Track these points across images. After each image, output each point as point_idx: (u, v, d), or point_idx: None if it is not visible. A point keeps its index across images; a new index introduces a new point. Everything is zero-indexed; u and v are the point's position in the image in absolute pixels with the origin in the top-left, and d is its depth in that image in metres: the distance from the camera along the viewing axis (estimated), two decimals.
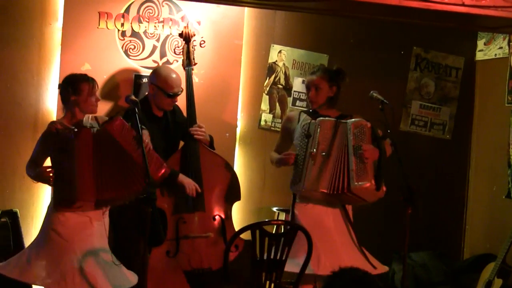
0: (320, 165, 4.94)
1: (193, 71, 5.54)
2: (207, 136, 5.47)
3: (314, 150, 4.94)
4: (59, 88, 4.83)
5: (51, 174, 4.57)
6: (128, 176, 4.47)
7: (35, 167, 4.68)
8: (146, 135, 4.81)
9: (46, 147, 4.68)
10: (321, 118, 4.99)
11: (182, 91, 5.43)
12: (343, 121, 4.96)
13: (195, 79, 5.85)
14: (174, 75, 5.41)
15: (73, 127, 4.60)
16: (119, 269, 4.72)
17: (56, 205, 4.60)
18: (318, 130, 4.95)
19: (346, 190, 4.89)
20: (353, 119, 4.98)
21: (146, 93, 5.53)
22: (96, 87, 4.78)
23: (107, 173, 4.50)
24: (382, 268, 5.15)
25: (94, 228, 4.64)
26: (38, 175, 4.65)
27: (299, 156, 5.03)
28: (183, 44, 5.56)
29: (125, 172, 4.48)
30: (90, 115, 4.83)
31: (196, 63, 5.58)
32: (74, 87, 4.69)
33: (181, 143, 5.52)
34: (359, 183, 4.89)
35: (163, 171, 4.59)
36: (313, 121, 5.01)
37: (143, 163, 4.40)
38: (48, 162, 4.72)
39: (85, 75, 4.78)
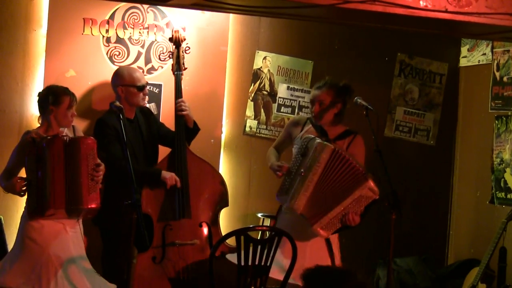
0: (307, 187, 4.84)
1: (182, 76, 5.53)
2: (191, 113, 5.48)
3: (303, 171, 4.85)
4: (38, 95, 4.84)
5: (22, 185, 4.60)
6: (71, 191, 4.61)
7: (8, 178, 4.71)
8: (102, 170, 4.77)
9: (21, 156, 4.71)
10: (319, 141, 4.86)
11: (148, 84, 5.47)
12: (346, 156, 4.80)
13: None
14: (134, 69, 5.50)
15: (47, 136, 4.66)
16: (100, 278, 4.76)
17: (30, 213, 4.66)
18: (315, 153, 4.83)
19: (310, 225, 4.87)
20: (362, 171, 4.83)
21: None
22: (75, 102, 4.80)
23: (75, 182, 4.61)
24: None
25: (69, 235, 4.69)
26: (10, 186, 4.68)
27: (291, 169, 4.94)
28: (173, 49, 5.56)
29: (71, 186, 4.61)
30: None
31: (186, 68, 5.58)
32: (54, 97, 4.73)
33: (162, 150, 5.53)
34: (318, 230, 4.86)
35: (94, 206, 4.65)
36: (313, 140, 4.89)
37: (83, 187, 4.59)
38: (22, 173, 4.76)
39: (67, 88, 4.82)
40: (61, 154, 4.61)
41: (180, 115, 5.43)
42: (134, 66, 5.85)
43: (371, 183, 4.78)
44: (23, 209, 4.76)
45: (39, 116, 4.82)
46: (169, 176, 5.22)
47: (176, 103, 5.46)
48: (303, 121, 5.17)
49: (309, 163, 4.83)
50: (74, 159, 4.61)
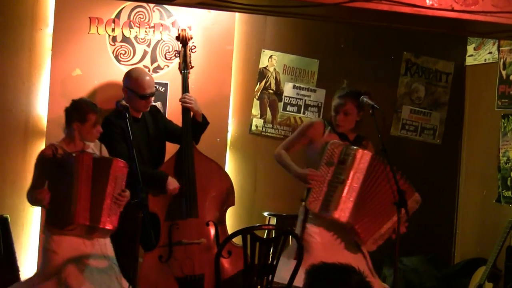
0: (350, 196, 4.86)
1: (189, 75, 5.52)
2: (198, 107, 5.44)
3: (344, 179, 4.84)
4: (65, 111, 4.80)
5: (44, 197, 4.57)
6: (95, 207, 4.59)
7: (33, 192, 4.68)
8: (127, 196, 4.78)
9: (42, 170, 4.70)
10: (356, 147, 4.86)
11: (156, 91, 5.41)
12: (384, 161, 4.82)
13: None
14: (144, 76, 5.37)
15: (72, 153, 4.64)
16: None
17: (49, 227, 4.66)
18: (354, 160, 4.83)
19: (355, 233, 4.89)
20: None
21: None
22: (101, 118, 4.77)
23: (98, 201, 4.59)
24: None
25: (88, 248, 4.68)
26: (33, 198, 4.67)
27: (327, 180, 4.90)
28: (179, 47, 5.54)
29: (94, 204, 4.59)
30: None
31: (193, 67, 5.55)
32: (80, 114, 4.70)
33: (170, 147, 5.53)
34: (371, 245, 4.91)
35: (110, 227, 4.64)
36: (349, 147, 4.88)
37: (104, 208, 4.55)
38: None
39: (94, 105, 4.78)
40: (90, 170, 4.59)
41: (187, 114, 5.42)
42: (140, 65, 5.85)
43: (418, 196, 4.89)
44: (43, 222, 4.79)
45: (64, 128, 4.81)
46: (172, 188, 5.21)
47: (180, 100, 5.45)
48: (321, 126, 5.09)
49: (349, 170, 4.83)
50: (102, 178, 4.58)
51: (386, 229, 4.85)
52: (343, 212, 4.83)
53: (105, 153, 4.91)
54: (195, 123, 5.43)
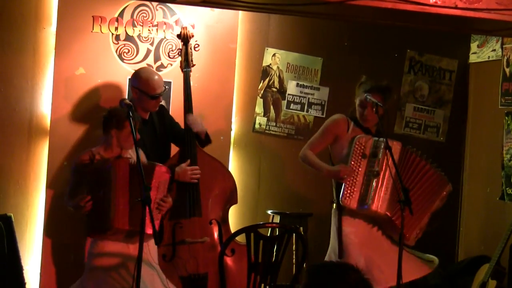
0: (387, 188, 4.90)
1: (191, 73, 5.52)
2: (202, 126, 5.44)
3: (377, 172, 4.87)
4: (103, 118, 4.81)
5: (87, 202, 4.57)
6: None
7: (73, 198, 4.69)
8: (169, 202, 4.81)
9: (79, 176, 4.72)
10: (386, 140, 4.86)
11: (165, 90, 5.40)
12: (411, 149, 4.92)
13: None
14: (155, 76, 5.35)
15: (109, 158, 4.67)
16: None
17: (90, 233, 4.69)
18: (385, 152, 4.85)
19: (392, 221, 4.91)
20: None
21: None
22: (140, 124, 4.76)
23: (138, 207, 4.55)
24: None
25: (132, 252, 4.67)
26: (75, 204, 4.67)
27: (361, 174, 4.92)
28: (181, 45, 5.54)
29: (134, 209, 4.54)
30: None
31: (194, 65, 5.55)
32: (118, 121, 4.71)
33: (174, 147, 5.54)
34: (412, 240, 4.98)
35: (149, 232, 4.48)
36: (379, 140, 4.91)
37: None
38: None
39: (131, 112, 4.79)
40: (127, 176, 4.59)
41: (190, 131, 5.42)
42: (143, 64, 5.85)
43: (450, 187, 5.01)
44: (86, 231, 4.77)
45: (102, 135, 4.81)
46: (186, 172, 5.23)
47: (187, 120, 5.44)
48: (345, 122, 5.09)
49: (382, 162, 4.87)
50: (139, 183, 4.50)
51: (425, 223, 4.89)
52: (380, 203, 4.85)
53: (143, 157, 4.89)
54: (198, 140, 5.44)
